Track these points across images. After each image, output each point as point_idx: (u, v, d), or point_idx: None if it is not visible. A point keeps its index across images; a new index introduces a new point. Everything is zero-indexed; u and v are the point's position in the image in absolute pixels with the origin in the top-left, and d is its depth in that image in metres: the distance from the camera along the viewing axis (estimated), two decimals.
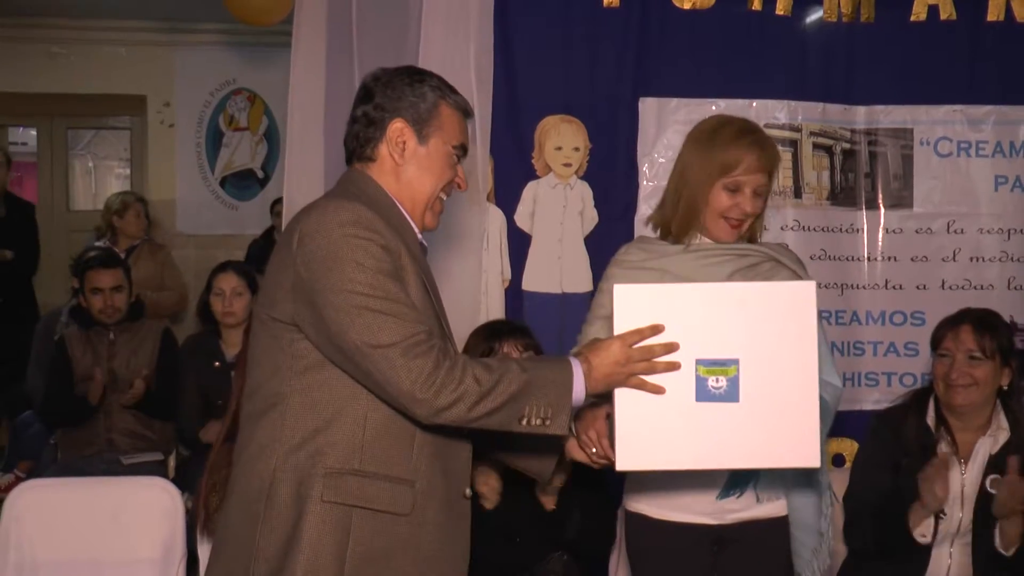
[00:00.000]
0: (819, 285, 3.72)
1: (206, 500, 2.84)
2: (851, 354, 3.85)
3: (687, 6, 3.76)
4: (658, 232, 2.75)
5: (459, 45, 3.65)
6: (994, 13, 3.76)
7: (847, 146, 3.82)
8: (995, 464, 3.07)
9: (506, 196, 3.80)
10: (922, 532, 3.04)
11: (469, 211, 3.69)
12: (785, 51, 3.80)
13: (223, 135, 8.72)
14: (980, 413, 3.13)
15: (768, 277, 2.62)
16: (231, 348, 4.50)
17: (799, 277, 2.65)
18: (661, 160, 3.74)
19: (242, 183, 8.73)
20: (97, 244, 6.39)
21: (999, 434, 3.12)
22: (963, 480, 3.09)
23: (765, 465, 2.41)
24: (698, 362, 2.15)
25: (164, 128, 8.71)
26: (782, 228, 3.79)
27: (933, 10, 3.78)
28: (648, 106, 3.77)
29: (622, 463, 2.19)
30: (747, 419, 2.16)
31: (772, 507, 2.71)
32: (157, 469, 4.48)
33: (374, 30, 3.91)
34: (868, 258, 3.85)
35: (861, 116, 3.82)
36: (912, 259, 3.83)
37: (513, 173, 3.79)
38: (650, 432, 2.17)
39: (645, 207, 3.72)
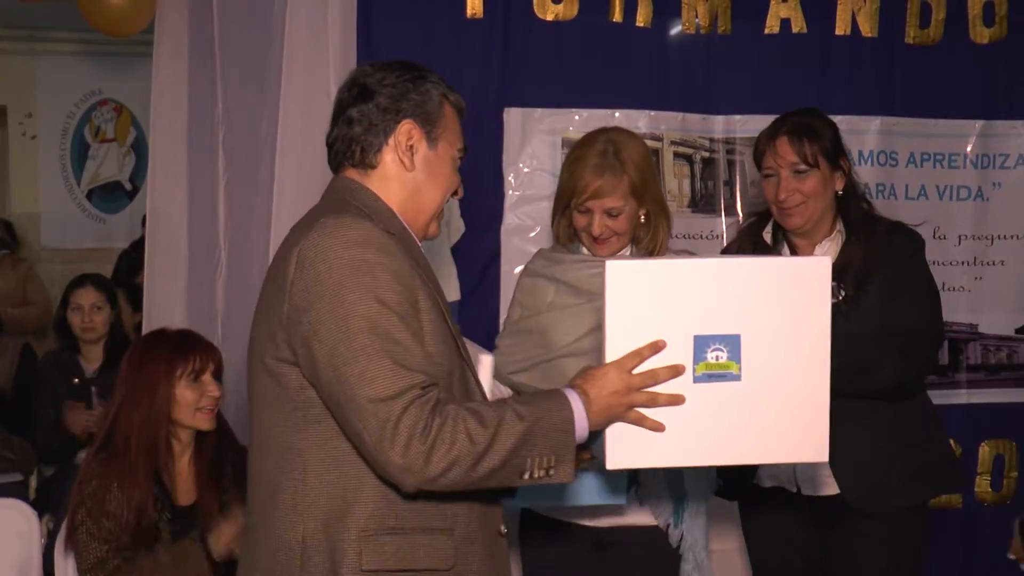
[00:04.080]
0: None
1: (74, 513, 2.76)
2: None
3: (550, 17, 3.80)
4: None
5: (322, 57, 3.61)
6: (842, 27, 3.88)
7: (706, 155, 3.91)
8: (836, 271, 2.67)
9: None
10: None
11: None
12: (646, 62, 3.85)
13: (89, 147, 8.52)
14: (821, 225, 2.87)
15: None
16: (91, 363, 4.43)
17: None
18: (526, 170, 3.78)
19: (109, 195, 8.55)
20: None
21: (839, 239, 2.87)
22: None
23: (768, 460, 2.33)
24: (696, 339, 1.95)
25: (26, 140, 8.49)
26: None
27: (786, 23, 3.88)
28: (512, 116, 3.78)
29: (613, 461, 1.98)
30: (749, 405, 1.97)
31: (644, 516, 2.70)
32: (17, 490, 4.32)
33: (236, 40, 3.88)
34: None
35: (719, 125, 3.89)
36: None
37: None
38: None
39: (511, 217, 3.77)
